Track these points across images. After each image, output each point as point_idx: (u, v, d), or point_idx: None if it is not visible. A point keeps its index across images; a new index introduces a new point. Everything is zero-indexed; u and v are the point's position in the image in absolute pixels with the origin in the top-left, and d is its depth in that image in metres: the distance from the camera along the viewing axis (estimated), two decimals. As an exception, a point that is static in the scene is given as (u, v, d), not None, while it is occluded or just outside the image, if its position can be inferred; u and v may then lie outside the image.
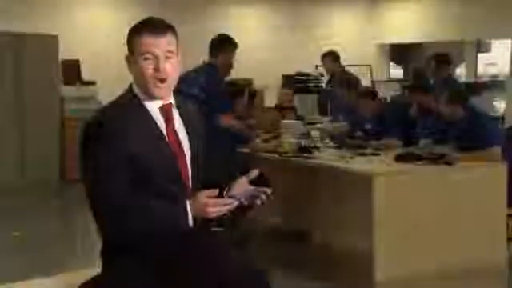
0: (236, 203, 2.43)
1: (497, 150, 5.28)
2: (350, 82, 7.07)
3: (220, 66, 5.61)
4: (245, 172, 2.59)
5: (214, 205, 2.42)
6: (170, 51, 2.49)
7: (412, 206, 4.91)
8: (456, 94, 5.67)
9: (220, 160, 5.44)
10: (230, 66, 5.66)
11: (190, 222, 2.43)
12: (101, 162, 2.39)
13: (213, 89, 5.52)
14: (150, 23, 2.51)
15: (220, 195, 2.50)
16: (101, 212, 2.43)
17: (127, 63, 2.55)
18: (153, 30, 2.47)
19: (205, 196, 2.42)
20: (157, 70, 2.47)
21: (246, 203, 2.48)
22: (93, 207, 2.44)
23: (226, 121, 5.58)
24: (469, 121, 5.47)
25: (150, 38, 2.46)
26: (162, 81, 2.48)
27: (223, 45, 5.63)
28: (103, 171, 2.39)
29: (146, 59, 2.47)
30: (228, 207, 2.44)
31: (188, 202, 2.43)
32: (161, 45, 2.47)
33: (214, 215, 2.44)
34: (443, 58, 6.74)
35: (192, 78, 5.57)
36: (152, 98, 2.51)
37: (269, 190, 2.53)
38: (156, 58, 2.47)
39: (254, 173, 2.58)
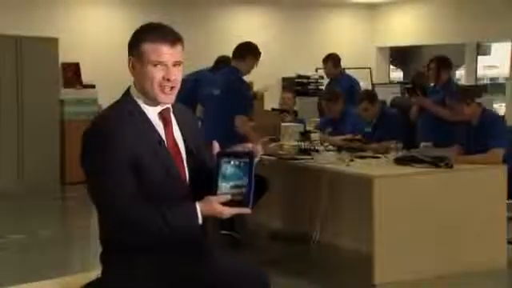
0: (248, 211, 2.42)
1: (498, 151, 5.27)
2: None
3: (243, 69, 5.84)
4: None
5: (229, 212, 2.42)
6: (178, 61, 2.51)
7: (412, 208, 4.91)
8: (467, 92, 5.65)
9: None
10: (249, 72, 5.93)
11: (200, 221, 2.42)
12: (103, 167, 2.39)
13: (233, 91, 5.70)
14: (162, 30, 2.50)
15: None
16: (108, 216, 2.43)
17: (131, 67, 2.53)
18: (165, 39, 2.47)
19: (218, 202, 2.40)
20: (168, 79, 2.47)
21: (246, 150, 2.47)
22: (99, 212, 2.45)
23: (242, 123, 5.67)
24: (481, 121, 5.45)
25: (162, 47, 2.46)
26: (172, 89, 2.49)
27: (253, 51, 5.87)
28: (107, 175, 2.39)
29: (155, 66, 2.46)
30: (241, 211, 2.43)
31: (198, 204, 2.41)
32: (173, 54, 2.48)
33: (227, 216, 2.44)
34: (444, 62, 6.69)
35: (213, 79, 5.93)
36: (155, 103, 2.52)
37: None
38: (166, 67, 2.47)
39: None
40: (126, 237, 2.40)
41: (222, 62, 7.23)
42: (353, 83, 8.10)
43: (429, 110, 6.48)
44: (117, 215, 2.38)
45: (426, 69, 6.77)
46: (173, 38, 2.49)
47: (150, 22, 2.57)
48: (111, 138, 2.39)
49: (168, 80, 2.47)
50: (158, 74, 2.46)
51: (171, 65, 2.48)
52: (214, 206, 2.40)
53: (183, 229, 2.42)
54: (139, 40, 2.49)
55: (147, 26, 2.54)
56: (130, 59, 2.52)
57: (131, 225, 2.37)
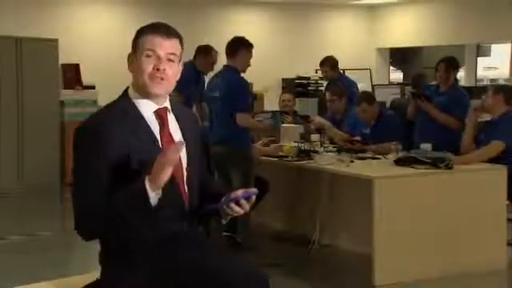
0: (182, 144, 2.37)
1: (498, 143, 5.29)
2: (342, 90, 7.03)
3: (239, 66, 5.80)
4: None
5: (163, 155, 2.31)
6: (172, 54, 2.51)
7: (412, 209, 4.91)
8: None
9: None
10: (247, 65, 5.87)
11: (153, 201, 2.32)
12: (81, 165, 2.43)
13: (232, 90, 5.70)
14: (160, 26, 2.54)
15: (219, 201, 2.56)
16: (75, 213, 2.45)
17: (128, 61, 2.57)
18: (160, 32, 2.50)
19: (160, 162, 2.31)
20: (157, 69, 2.48)
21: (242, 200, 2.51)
22: (72, 203, 2.47)
23: (243, 120, 5.67)
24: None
25: (156, 38, 2.49)
26: (162, 79, 2.49)
27: (243, 44, 5.81)
28: (82, 174, 2.42)
29: (147, 56, 2.48)
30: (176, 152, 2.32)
31: (147, 178, 2.32)
32: (165, 46, 2.49)
33: (168, 164, 2.29)
34: (453, 63, 6.59)
35: (213, 82, 5.93)
36: (148, 96, 2.51)
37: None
38: (158, 57, 2.48)
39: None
40: (89, 228, 2.43)
41: (198, 51, 7.48)
42: (351, 85, 8.09)
43: (436, 118, 6.41)
44: (82, 206, 2.42)
45: (435, 69, 6.66)
46: (168, 32, 2.52)
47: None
48: (96, 135, 2.40)
49: (157, 70, 2.48)
50: (149, 64, 2.48)
51: (164, 57, 2.49)
52: (157, 166, 2.29)
53: (137, 206, 2.34)
54: (137, 35, 2.54)
55: (148, 24, 2.57)
56: (128, 56, 2.56)
57: (94, 218, 2.39)
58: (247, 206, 2.53)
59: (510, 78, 11.14)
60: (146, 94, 2.51)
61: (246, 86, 5.89)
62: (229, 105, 5.66)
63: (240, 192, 2.52)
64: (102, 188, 2.38)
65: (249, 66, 5.87)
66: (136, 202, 2.33)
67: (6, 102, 8.99)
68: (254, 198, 2.54)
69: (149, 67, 2.48)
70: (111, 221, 2.37)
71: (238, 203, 2.51)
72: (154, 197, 2.32)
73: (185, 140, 2.58)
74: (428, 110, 6.44)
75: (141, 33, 2.53)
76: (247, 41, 5.83)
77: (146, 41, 2.50)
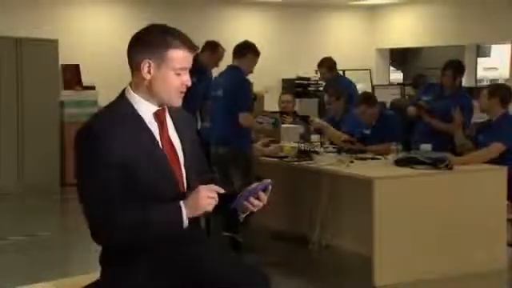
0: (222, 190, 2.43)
1: (498, 145, 5.31)
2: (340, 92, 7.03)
3: (244, 68, 5.85)
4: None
5: (205, 192, 2.41)
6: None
7: (412, 210, 4.91)
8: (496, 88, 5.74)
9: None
10: (251, 71, 5.93)
11: (185, 222, 2.41)
12: (88, 168, 2.41)
13: (236, 89, 5.73)
14: (184, 37, 2.52)
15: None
16: (88, 216, 2.43)
17: (146, 70, 2.47)
18: (188, 46, 2.50)
19: (206, 195, 2.41)
20: (186, 84, 2.52)
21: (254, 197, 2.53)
22: (83, 212, 2.45)
23: (246, 120, 5.68)
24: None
25: (186, 54, 2.50)
26: (183, 92, 2.54)
27: (252, 49, 5.87)
28: (84, 177, 2.41)
29: (178, 74, 2.49)
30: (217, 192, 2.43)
31: (182, 202, 2.41)
32: (190, 61, 2.53)
33: (209, 205, 2.42)
34: (460, 67, 6.56)
35: (217, 81, 5.99)
36: (157, 102, 2.52)
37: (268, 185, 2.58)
38: (185, 72, 2.51)
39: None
40: (108, 237, 2.41)
41: (206, 46, 7.37)
42: (349, 86, 8.08)
43: (437, 129, 6.42)
44: (96, 216, 2.39)
45: (442, 74, 6.63)
46: (192, 44, 2.53)
47: (164, 24, 2.57)
48: (99, 139, 2.39)
49: (186, 86, 2.51)
50: (178, 80, 2.49)
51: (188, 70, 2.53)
52: (199, 201, 2.39)
53: (168, 228, 2.42)
54: (163, 45, 2.47)
55: (166, 30, 2.52)
56: (147, 62, 2.46)
57: (111, 225, 2.38)
58: (265, 198, 2.54)
59: (510, 78, 11.12)
60: (159, 103, 2.52)
61: (249, 86, 5.94)
62: (231, 104, 5.67)
63: (256, 185, 2.54)
64: (105, 191, 2.37)
65: (252, 71, 5.92)
66: (170, 223, 2.41)
67: (6, 102, 9.00)
68: (270, 188, 2.53)
69: (178, 83, 2.50)
70: (113, 224, 2.37)
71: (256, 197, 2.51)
72: (186, 222, 2.41)
73: (181, 140, 2.59)
74: (430, 123, 6.47)
75: (167, 45, 2.46)
76: (256, 48, 5.91)
77: (177, 56, 2.46)
